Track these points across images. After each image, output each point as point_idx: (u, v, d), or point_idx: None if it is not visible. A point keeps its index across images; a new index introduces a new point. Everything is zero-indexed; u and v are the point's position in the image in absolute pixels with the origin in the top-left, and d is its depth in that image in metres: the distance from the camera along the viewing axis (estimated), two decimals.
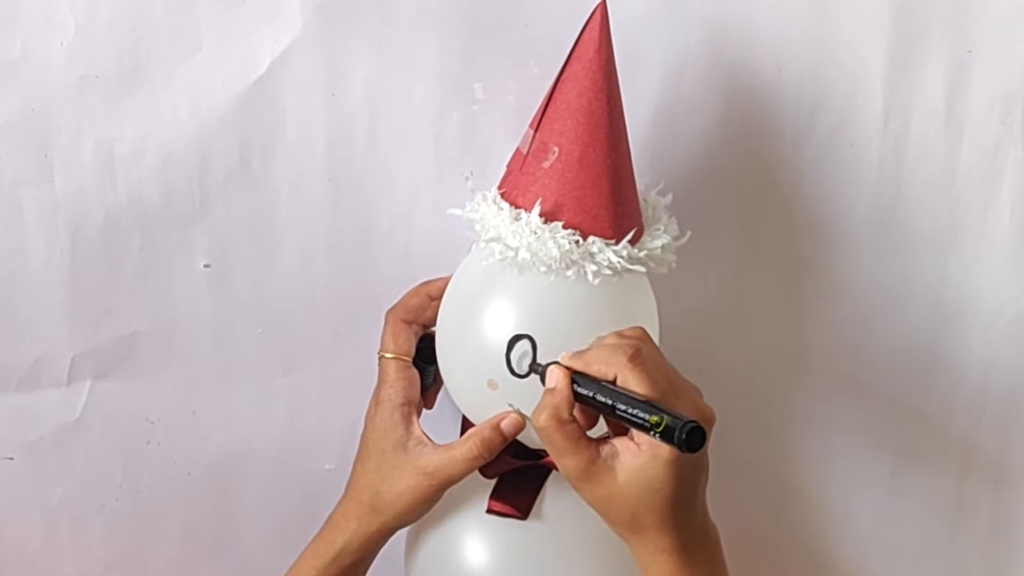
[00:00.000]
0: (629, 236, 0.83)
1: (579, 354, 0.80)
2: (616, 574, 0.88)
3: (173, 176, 0.94)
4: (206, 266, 0.97)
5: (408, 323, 0.91)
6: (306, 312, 0.98)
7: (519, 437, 0.86)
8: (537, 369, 0.82)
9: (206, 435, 1.02)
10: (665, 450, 0.76)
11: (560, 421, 0.78)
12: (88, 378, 0.99)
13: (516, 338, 0.83)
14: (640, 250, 0.84)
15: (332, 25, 0.91)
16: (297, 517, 0.93)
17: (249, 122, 0.93)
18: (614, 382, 0.78)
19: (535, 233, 0.82)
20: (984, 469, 1.05)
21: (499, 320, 0.84)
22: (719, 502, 0.90)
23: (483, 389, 0.85)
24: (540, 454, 0.89)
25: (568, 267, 0.82)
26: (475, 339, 0.85)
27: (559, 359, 0.81)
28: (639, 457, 0.77)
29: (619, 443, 0.78)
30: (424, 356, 0.91)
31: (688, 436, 0.73)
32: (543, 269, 0.82)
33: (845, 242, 0.98)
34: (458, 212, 0.86)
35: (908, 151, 0.96)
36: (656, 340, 0.84)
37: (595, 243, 0.82)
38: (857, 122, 0.95)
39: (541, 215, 0.82)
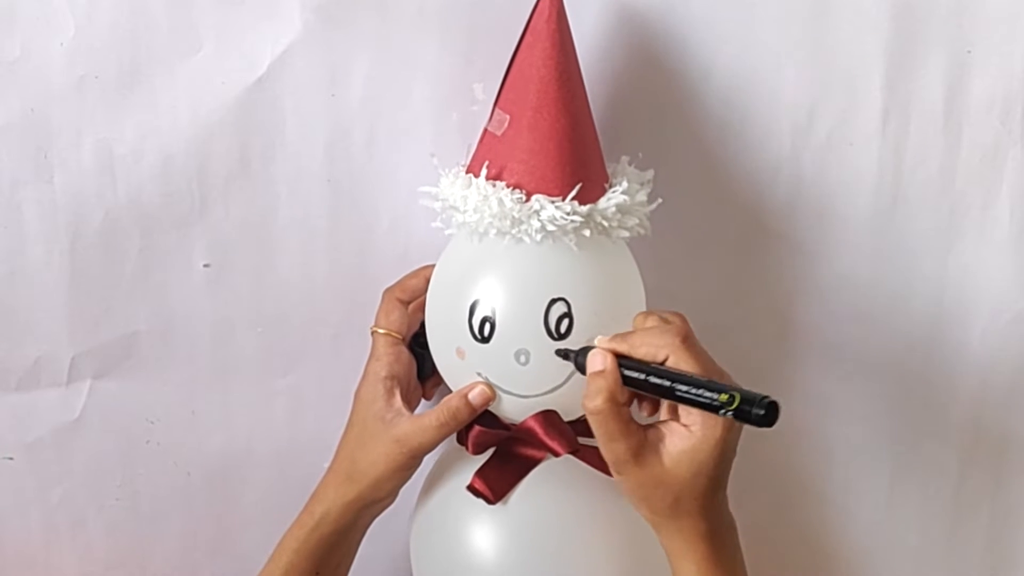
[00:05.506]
0: (573, 193, 0.83)
1: (622, 337, 0.80)
2: (577, 570, 0.88)
3: (173, 176, 0.94)
4: (206, 266, 0.97)
5: (404, 303, 0.92)
6: (306, 312, 0.98)
7: (492, 409, 0.87)
8: (570, 354, 0.82)
9: (206, 435, 1.02)
10: (718, 431, 0.76)
11: (617, 404, 0.78)
12: (88, 378, 0.99)
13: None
14: (589, 208, 0.83)
15: (332, 25, 0.91)
16: None
17: (249, 122, 0.93)
18: (662, 364, 0.77)
19: (483, 195, 0.83)
20: (984, 469, 1.05)
21: (463, 287, 0.85)
22: None
23: (454, 358, 0.86)
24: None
25: (513, 225, 0.82)
26: (443, 307, 0.86)
27: (595, 343, 0.81)
28: (689, 440, 0.77)
29: (665, 427, 0.78)
30: (421, 342, 0.91)
31: (767, 410, 0.72)
32: (493, 232, 0.83)
33: (845, 242, 0.98)
34: (427, 189, 0.87)
35: (907, 151, 0.96)
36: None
37: (538, 200, 0.82)
38: (856, 122, 0.95)
39: (489, 178, 0.84)
